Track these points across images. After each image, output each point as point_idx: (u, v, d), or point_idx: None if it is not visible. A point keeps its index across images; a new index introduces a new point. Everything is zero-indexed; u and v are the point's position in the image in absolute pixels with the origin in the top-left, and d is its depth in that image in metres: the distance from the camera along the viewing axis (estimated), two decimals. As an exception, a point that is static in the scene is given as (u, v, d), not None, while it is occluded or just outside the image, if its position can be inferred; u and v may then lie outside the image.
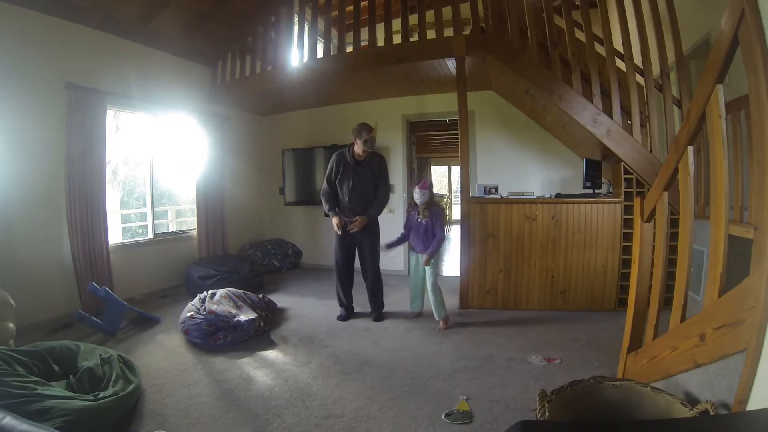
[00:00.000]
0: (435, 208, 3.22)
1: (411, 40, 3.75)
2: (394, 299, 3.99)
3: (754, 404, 1.05)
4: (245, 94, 4.76)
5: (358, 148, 3.20)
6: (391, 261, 5.12)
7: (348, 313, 3.42)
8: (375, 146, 3.28)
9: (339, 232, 3.25)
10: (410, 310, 3.44)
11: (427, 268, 3.16)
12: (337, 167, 3.27)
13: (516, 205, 3.54)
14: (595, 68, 2.96)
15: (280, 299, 3.82)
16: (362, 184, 3.25)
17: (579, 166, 4.09)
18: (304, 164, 5.41)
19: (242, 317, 2.92)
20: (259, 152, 5.81)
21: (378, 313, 3.39)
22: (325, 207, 3.32)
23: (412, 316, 3.41)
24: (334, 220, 3.26)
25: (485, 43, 3.37)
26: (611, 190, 3.77)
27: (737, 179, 2.12)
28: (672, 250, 1.63)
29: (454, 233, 9.28)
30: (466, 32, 3.57)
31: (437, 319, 3.14)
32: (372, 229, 3.32)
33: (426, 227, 3.18)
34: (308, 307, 3.72)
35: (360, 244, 3.33)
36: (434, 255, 3.14)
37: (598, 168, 3.75)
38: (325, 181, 3.34)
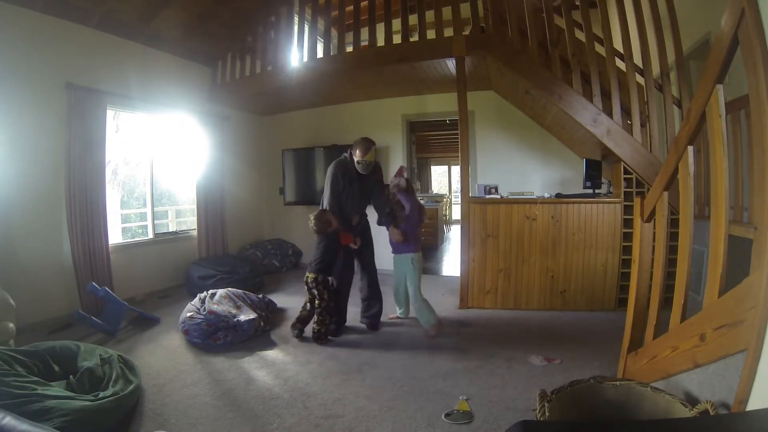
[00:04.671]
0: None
1: (411, 40, 3.75)
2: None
3: (754, 404, 1.05)
4: (245, 94, 4.76)
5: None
6: (391, 261, 5.11)
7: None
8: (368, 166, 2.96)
9: (356, 246, 3.03)
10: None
11: (408, 276, 3.06)
12: (343, 180, 2.93)
13: (516, 205, 3.54)
14: (595, 68, 2.96)
15: (280, 299, 3.82)
16: (363, 196, 3.03)
17: (579, 166, 4.09)
18: (304, 164, 5.41)
19: (242, 317, 2.92)
20: (259, 152, 5.81)
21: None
22: (339, 227, 2.93)
23: (394, 317, 3.35)
24: (350, 238, 2.98)
25: (485, 43, 3.37)
26: (611, 190, 3.77)
27: (737, 179, 2.12)
28: (672, 250, 1.63)
29: (454, 233, 9.28)
30: (466, 32, 3.57)
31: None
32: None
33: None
34: (308, 307, 3.71)
35: (360, 252, 3.13)
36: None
37: (598, 168, 3.75)
38: (331, 197, 2.92)
